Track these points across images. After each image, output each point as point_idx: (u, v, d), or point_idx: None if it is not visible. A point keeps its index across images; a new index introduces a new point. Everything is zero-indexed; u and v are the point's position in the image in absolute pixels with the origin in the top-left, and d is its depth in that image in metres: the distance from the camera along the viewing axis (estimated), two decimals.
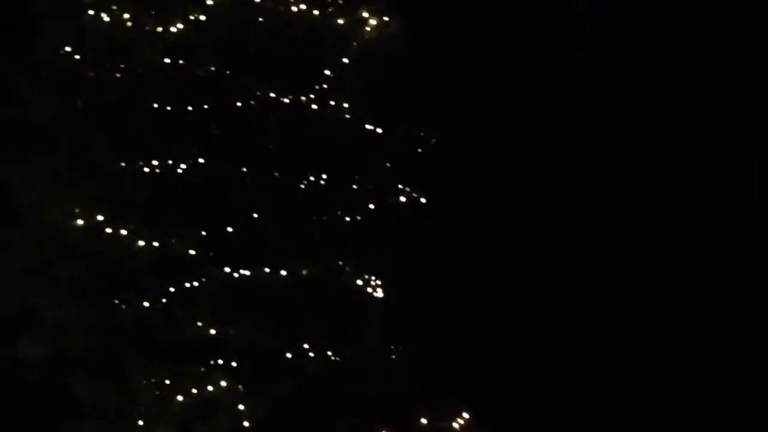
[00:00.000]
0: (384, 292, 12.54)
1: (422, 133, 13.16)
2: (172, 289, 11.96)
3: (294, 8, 12.72)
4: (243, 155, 12.50)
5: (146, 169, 12.25)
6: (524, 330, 14.92)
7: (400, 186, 12.87)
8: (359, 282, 12.44)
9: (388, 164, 12.97)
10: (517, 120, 15.50)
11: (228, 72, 12.60)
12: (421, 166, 13.12)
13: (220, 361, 11.92)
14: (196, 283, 12.03)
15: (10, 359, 11.61)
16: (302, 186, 12.56)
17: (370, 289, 12.47)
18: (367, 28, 12.88)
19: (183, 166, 12.33)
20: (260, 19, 12.65)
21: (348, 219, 12.67)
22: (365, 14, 12.90)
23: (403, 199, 12.85)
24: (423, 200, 12.90)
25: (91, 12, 12.38)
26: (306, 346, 12.15)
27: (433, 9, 14.10)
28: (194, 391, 11.59)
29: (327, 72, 12.87)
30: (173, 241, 11.89)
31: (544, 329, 14.98)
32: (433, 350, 12.71)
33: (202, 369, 11.79)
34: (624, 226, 15.39)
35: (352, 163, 12.81)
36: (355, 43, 12.92)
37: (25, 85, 12.30)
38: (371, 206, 12.73)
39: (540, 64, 15.18)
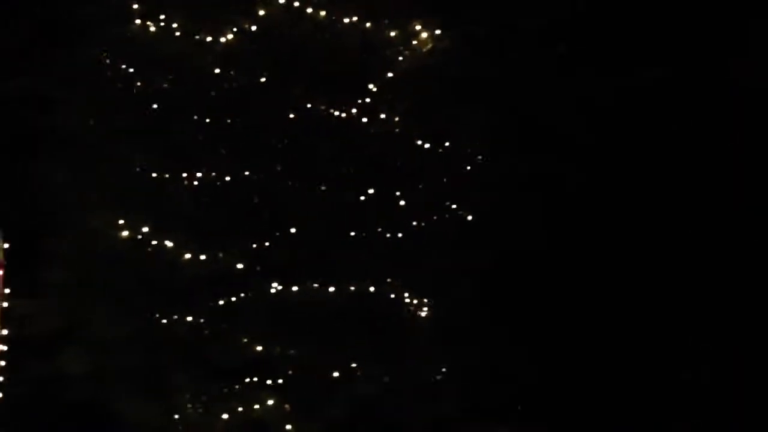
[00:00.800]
0: (431, 310, 12.23)
1: (471, 150, 12.78)
2: (218, 304, 11.66)
3: (346, 20, 12.42)
4: (292, 168, 12.20)
5: (194, 181, 11.96)
6: (572, 351, 14.54)
7: (447, 203, 12.52)
8: (407, 300, 12.10)
9: (435, 180, 12.63)
10: (568, 139, 15.15)
11: (278, 83, 12.26)
12: (470, 184, 12.77)
13: (268, 380, 11.62)
14: (243, 298, 11.70)
15: (52, 375, 11.29)
16: (350, 200, 12.21)
17: (417, 308, 12.15)
18: (419, 41, 12.50)
19: (230, 178, 12.01)
20: (312, 31, 12.30)
21: (396, 235, 12.27)
22: (418, 27, 12.48)
23: (450, 216, 12.57)
24: (469, 218, 12.49)
25: (138, 21, 12.00)
26: (354, 365, 11.80)
27: (487, 25, 13.75)
28: (240, 409, 11.23)
29: (377, 85, 12.56)
30: (220, 254, 11.57)
31: (592, 350, 14.60)
32: (481, 371, 12.36)
33: (249, 387, 11.47)
34: (676, 250, 15.02)
35: (401, 178, 12.46)
36: (406, 56, 12.55)
37: (72, 94, 11.98)
38: (419, 223, 12.40)
39: (598, 83, 14.82)
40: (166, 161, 11.91)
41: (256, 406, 11.29)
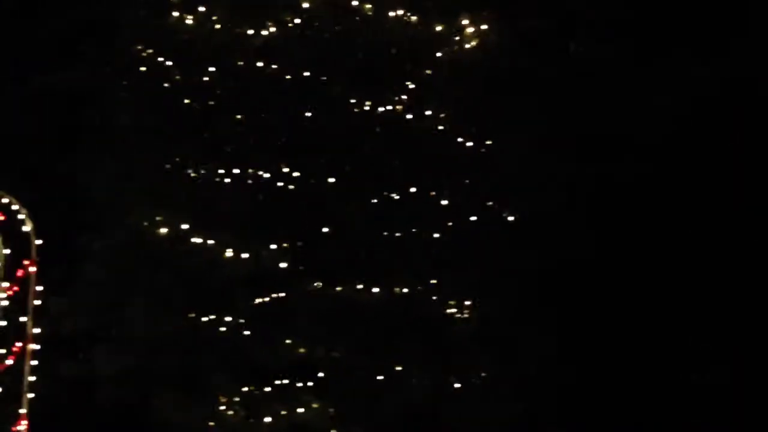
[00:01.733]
0: (475, 313, 11.83)
1: (516, 149, 12.38)
2: (259, 304, 11.29)
3: (392, 13, 12.00)
4: (334, 165, 11.81)
5: (235, 178, 11.59)
6: (624, 355, 14.11)
7: (490, 203, 12.10)
8: (452, 302, 11.72)
9: (478, 180, 12.18)
10: (622, 140, 14.72)
11: (322, 78, 11.86)
12: (513, 184, 12.34)
13: (311, 383, 11.25)
14: (285, 298, 11.34)
15: (86, 375, 11.00)
16: (392, 199, 11.85)
17: (460, 310, 11.75)
18: (465, 36, 12.17)
19: (272, 175, 11.65)
20: (357, 24, 11.95)
21: (438, 235, 11.89)
22: (465, 21, 12.10)
23: (493, 217, 12.16)
24: (511, 218, 12.13)
25: (175, 14, 11.68)
26: (399, 368, 11.40)
27: (537, 20, 13.34)
28: (283, 412, 10.84)
29: (422, 81, 12.17)
30: (263, 253, 11.15)
31: (644, 354, 14.17)
32: (530, 376, 11.92)
33: (292, 389, 11.13)
34: (729, 255, 14.55)
35: (443, 177, 12.06)
36: (452, 52, 12.18)
37: (112, 89, 11.72)
38: (461, 223, 11.99)
39: (653, 80, 14.36)
40: (207, 158, 11.57)
41: (300, 410, 10.85)
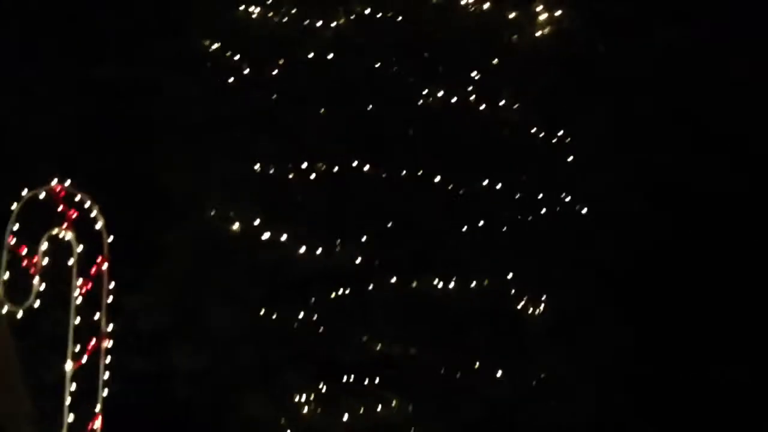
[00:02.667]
0: (550, 307, 11.52)
1: (589, 139, 12.10)
2: (335, 299, 11.08)
3: (463, 1, 11.77)
4: (409, 158, 11.55)
5: (308, 172, 11.42)
6: (704, 348, 13.74)
7: (563, 195, 11.81)
8: (527, 297, 11.45)
9: (551, 171, 11.91)
10: (697, 130, 14.36)
11: (394, 69, 11.62)
12: (586, 175, 12.05)
13: (389, 380, 11.00)
14: (361, 294, 11.11)
15: (160, 372, 10.87)
16: (467, 191, 11.59)
17: (535, 304, 11.48)
18: (539, 23, 11.90)
19: (345, 169, 11.43)
20: (428, 13, 11.73)
21: (510, 228, 11.62)
22: (539, 8, 11.82)
23: (565, 209, 11.85)
24: (584, 210, 11.80)
25: (244, 7, 11.48)
26: (477, 365, 11.13)
27: (614, 6, 13.00)
28: (362, 410, 10.64)
29: (496, 70, 11.90)
30: (337, 248, 10.94)
31: (725, 347, 13.79)
32: (610, 372, 11.60)
33: (369, 387, 10.90)
34: None
35: (516, 168, 11.76)
36: (525, 39, 11.93)
37: (182, 84, 11.55)
38: (533, 215, 11.71)
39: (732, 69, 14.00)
40: (280, 152, 11.38)
41: (379, 408, 10.65)
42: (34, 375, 10.01)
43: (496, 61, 11.87)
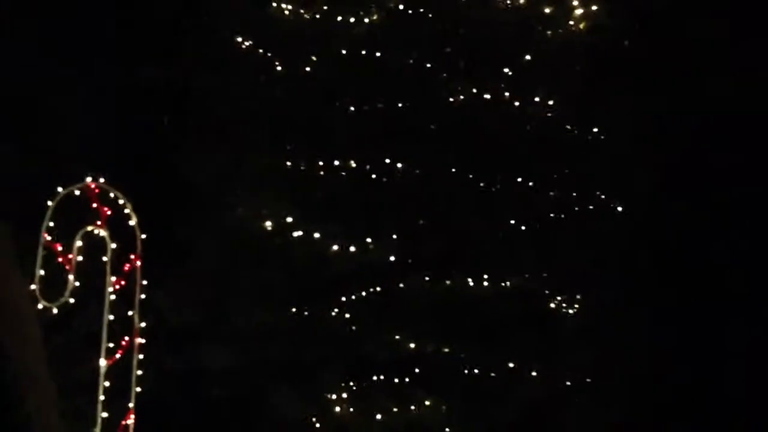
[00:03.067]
0: (583, 307, 11.36)
1: (623, 137, 11.92)
2: (368, 297, 10.98)
3: None
4: (442, 155, 11.40)
5: (340, 169, 11.30)
6: (739, 348, 13.52)
7: (598, 193, 11.66)
8: (559, 296, 11.29)
9: (585, 168, 11.72)
10: (735, 127, 14.13)
11: (427, 65, 11.47)
12: (621, 172, 11.87)
13: (422, 379, 10.88)
14: (393, 292, 11.00)
15: (192, 369, 10.79)
16: (499, 189, 11.47)
17: (569, 304, 11.33)
18: (574, 18, 11.76)
19: (377, 165, 11.33)
20: (463, 7, 11.59)
21: (544, 226, 11.46)
22: (575, 2, 11.69)
23: (600, 206, 11.70)
24: (620, 208, 11.64)
25: (274, 4, 11.44)
26: (511, 365, 10.99)
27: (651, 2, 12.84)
28: (395, 409, 10.49)
29: (530, 65, 11.75)
30: (371, 246, 10.85)
31: (762, 347, 13.56)
32: (644, 373, 11.43)
33: (403, 386, 10.79)
34: None
35: (549, 165, 11.61)
36: (561, 34, 11.77)
37: (212, 82, 11.49)
38: (567, 213, 11.53)
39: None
40: (312, 148, 11.26)
41: (413, 407, 10.54)
42: (67, 371, 10.01)
43: (530, 56, 11.73)
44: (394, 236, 11.02)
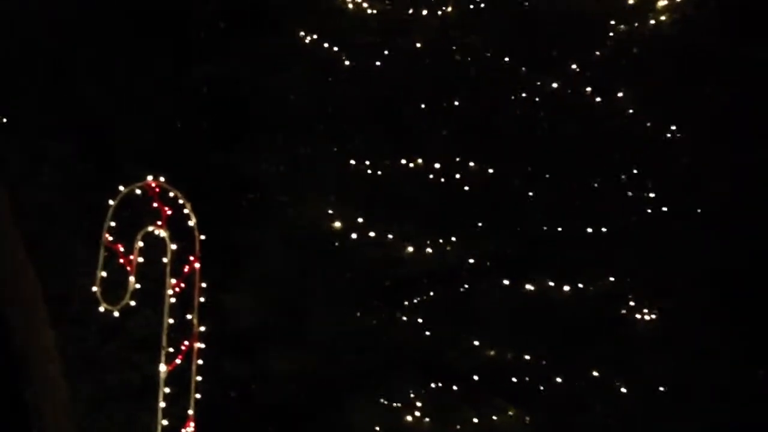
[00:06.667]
0: (669, 314, 10.76)
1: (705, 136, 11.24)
2: (444, 302, 10.52)
3: None
4: (521, 153, 10.92)
5: (413, 168, 10.81)
6: None
7: (676, 194, 11.07)
8: (644, 301, 10.73)
9: (664, 169, 11.14)
10: None
11: (503, 60, 11.03)
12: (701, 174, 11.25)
13: (503, 388, 10.36)
14: (471, 296, 10.53)
15: (254, 375, 10.46)
16: (583, 189, 10.94)
17: (650, 310, 10.74)
18: (658, 10, 11.20)
19: (452, 164, 10.83)
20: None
21: (619, 230, 10.90)
22: None
23: (680, 210, 11.06)
24: (698, 210, 11.04)
25: None
26: (595, 373, 10.44)
27: None
28: (475, 420, 10.01)
29: (611, 60, 11.18)
30: (447, 248, 10.39)
31: None
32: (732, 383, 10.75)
33: (482, 395, 10.29)
34: None
35: (626, 166, 11.07)
36: (644, 27, 11.22)
37: (277, 79, 11.10)
38: (644, 216, 10.95)
39: None
40: (382, 147, 10.86)
41: (494, 417, 10.07)
42: (121, 376, 9.69)
43: (611, 50, 11.23)
44: (471, 238, 10.59)
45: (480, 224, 10.75)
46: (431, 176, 10.79)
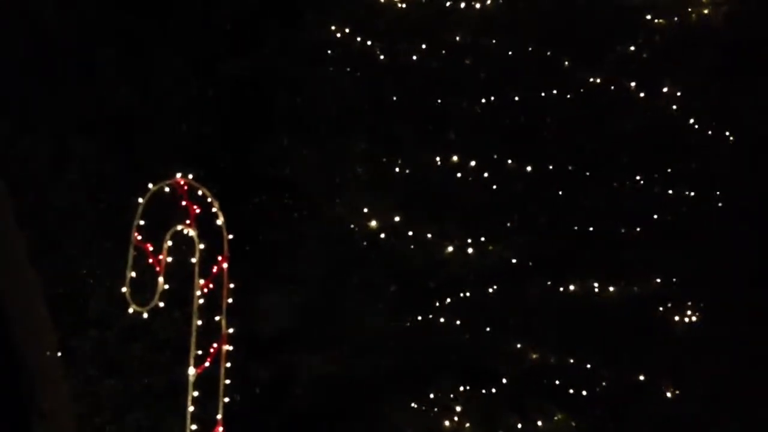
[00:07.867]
0: (713, 317, 10.53)
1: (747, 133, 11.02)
2: (485, 303, 10.22)
3: None
4: (564, 151, 10.63)
5: (452, 166, 10.52)
6: None
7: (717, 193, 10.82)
8: (690, 303, 10.49)
9: (706, 167, 10.88)
10: None
11: (544, 54, 10.72)
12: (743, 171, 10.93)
13: (546, 391, 10.11)
14: (513, 297, 10.25)
15: (284, 378, 10.17)
16: (629, 187, 10.70)
17: (693, 312, 10.50)
18: (703, 1, 10.90)
19: (493, 161, 10.54)
20: None
21: (674, 229, 10.61)
22: None
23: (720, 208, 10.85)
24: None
25: None
26: (642, 378, 10.20)
27: None
28: (519, 426, 9.80)
29: (653, 54, 10.90)
30: (490, 247, 10.15)
31: None
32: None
33: (528, 400, 10.02)
34: None
35: (668, 163, 10.78)
36: (686, 19, 10.93)
37: (313, 72, 10.84)
38: (685, 215, 10.69)
39: None
40: (423, 143, 10.58)
41: (539, 423, 9.81)
42: (148, 378, 9.42)
43: (655, 44, 10.98)
44: (514, 238, 10.36)
45: (522, 224, 10.51)
46: (471, 175, 10.54)
